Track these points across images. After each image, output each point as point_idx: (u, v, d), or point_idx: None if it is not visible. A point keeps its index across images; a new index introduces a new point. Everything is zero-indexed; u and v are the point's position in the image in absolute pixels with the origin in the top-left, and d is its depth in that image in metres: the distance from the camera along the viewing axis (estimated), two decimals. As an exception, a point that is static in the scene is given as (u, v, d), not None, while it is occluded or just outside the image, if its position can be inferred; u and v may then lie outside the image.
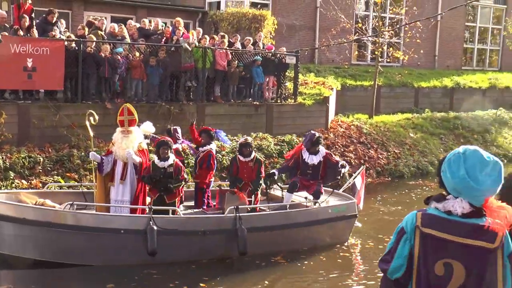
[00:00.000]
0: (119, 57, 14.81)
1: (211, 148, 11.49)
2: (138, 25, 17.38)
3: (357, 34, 24.21)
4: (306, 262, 10.53)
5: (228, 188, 11.67)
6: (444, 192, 3.41)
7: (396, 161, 19.18)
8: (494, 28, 33.27)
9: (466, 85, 27.60)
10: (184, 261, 9.91)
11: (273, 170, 12.06)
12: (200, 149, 11.52)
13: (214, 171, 11.79)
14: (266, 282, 9.49)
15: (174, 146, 11.12)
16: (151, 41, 16.53)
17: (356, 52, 27.82)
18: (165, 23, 18.66)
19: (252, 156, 11.41)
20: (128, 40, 16.08)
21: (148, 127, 11.52)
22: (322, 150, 11.65)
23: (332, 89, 20.66)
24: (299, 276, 9.95)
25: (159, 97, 15.84)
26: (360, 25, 23.27)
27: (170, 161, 10.17)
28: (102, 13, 20.68)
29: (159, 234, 9.46)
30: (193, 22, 23.23)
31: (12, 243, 9.63)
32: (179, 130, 12.18)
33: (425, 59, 28.76)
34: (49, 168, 13.00)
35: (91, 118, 10.67)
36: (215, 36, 17.82)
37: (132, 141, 10.21)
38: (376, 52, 22.72)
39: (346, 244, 11.60)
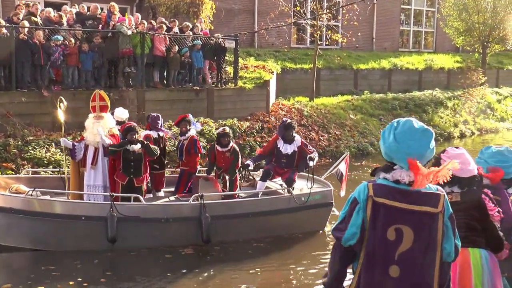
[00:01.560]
0: (52, 43, 14.45)
1: (192, 134, 11.48)
2: (74, 10, 16.97)
3: (296, 17, 24.37)
4: (278, 250, 10.23)
5: (205, 174, 11.54)
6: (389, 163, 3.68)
7: (337, 142, 19.42)
8: (429, 11, 34.06)
9: (403, 67, 28.24)
10: (147, 248, 9.77)
11: (248, 161, 11.64)
12: (183, 137, 11.51)
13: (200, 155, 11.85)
14: (234, 270, 9.25)
15: (155, 134, 11.25)
16: (86, 26, 16.18)
17: (295, 36, 27.98)
18: (102, 8, 18.28)
19: (229, 146, 11.14)
20: (65, 26, 15.68)
21: (121, 113, 11.58)
22: (298, 139, 11.31)
23: (272, 72, 20.74)
24: (271, 264, 9.67)
25: (97, 84, 15.55)
26: (298, 8, 23.41)
27: (139, 145, 10.29)
28: (35, -2, 20.03)
29: (120, 221, 9.38)
30: (130, 7, 22.81)
31: None
32: (160, 118, 11.79)
33: (363, 41, 29.21)
34: (-16, 159, 12.63)
35: (61, 104, 10.57)
36: (153, 21, 17.60)
37: (103, 126, 10.32)
38: (315, 35, 22.88)
39: (321, 232, 11.21)
